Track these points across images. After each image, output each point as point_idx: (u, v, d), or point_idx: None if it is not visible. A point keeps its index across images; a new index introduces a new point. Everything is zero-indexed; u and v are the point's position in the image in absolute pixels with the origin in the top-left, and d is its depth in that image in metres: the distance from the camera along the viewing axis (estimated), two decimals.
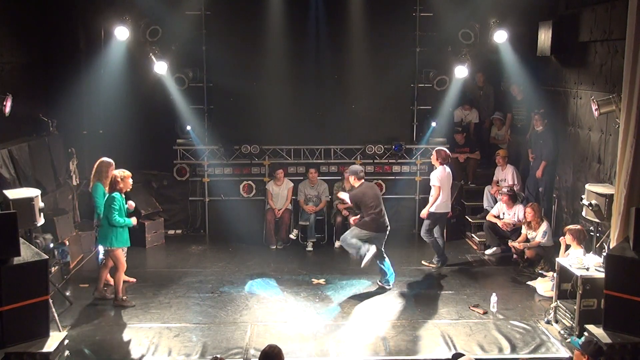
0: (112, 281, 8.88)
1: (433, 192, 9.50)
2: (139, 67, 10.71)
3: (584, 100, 9.65)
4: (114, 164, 8.72)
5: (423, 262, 9.88)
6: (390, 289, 8.81)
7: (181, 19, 10.86)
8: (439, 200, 9.46)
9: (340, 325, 7.74)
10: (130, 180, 8.22)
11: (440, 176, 9.47)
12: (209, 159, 11.42)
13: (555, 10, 10.48)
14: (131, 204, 8.72)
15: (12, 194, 7.35)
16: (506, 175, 11.04)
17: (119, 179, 8.08)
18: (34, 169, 8.88)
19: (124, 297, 8.25)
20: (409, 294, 8.68)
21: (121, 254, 8.19)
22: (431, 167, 11.58)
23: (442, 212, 9.62)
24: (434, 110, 11.61)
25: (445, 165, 9.55)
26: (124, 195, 8.16)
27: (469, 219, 11.20)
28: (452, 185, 11.28)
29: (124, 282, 8.92)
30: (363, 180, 8.86)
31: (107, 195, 8.52)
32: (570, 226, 8.44)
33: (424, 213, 9.62)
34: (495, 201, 10.74)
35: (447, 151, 9.74)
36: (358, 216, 8.81)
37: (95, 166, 8.60)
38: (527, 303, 8.38)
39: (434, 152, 9.69)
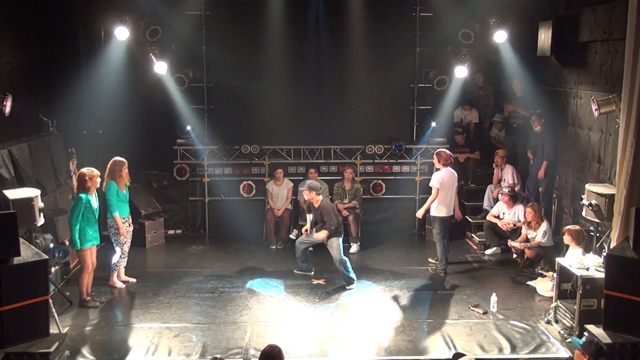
0: (116, 284, 8.90)
1: (432, 194, 9.26)
2: (139, 67, 10.72)
3: (584, 100, 9.64)
4: (126, 162, 8.70)
5: (430, 260, 9.93)
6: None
7: (181, 19, 10.87)
8: (436, 203, 9.19)
9: (340, 325, 7.73)
10: (99, 180, 8.10)
11: (441, 178, 9.18)
12: (209, 159, 11.42)
13: (555, 10, 10.48)
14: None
15: (12, 194, 7.37)
16: (505, 175, 11.04)
17: (87, 178, 7.92)
18: (34, 169, 8.88)
19: (88, 298, 8.13)
20: (409, 294, 8.67)
21: (89, 254, 8.06)
22: (431, 167, 11.64)
23: (446, 215, 9.27)
24: (434, 110, 11.62)
25: (449, 167, 9.29)
26: (93, 195, 8.02)
27: (469, 219, 11.18)
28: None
29: (124, 282, 8.95)
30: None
31: (119, 192, 8.51)
32: (569, 226, 8.45)
33: (419, 213, 9.64)
34: (496, 201, 10.74)
35: (448, 152, 9.44)
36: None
37: (109, 165, 8.58)
38: (527, 303, 8.37)
39: (434, 155, 9.45)
